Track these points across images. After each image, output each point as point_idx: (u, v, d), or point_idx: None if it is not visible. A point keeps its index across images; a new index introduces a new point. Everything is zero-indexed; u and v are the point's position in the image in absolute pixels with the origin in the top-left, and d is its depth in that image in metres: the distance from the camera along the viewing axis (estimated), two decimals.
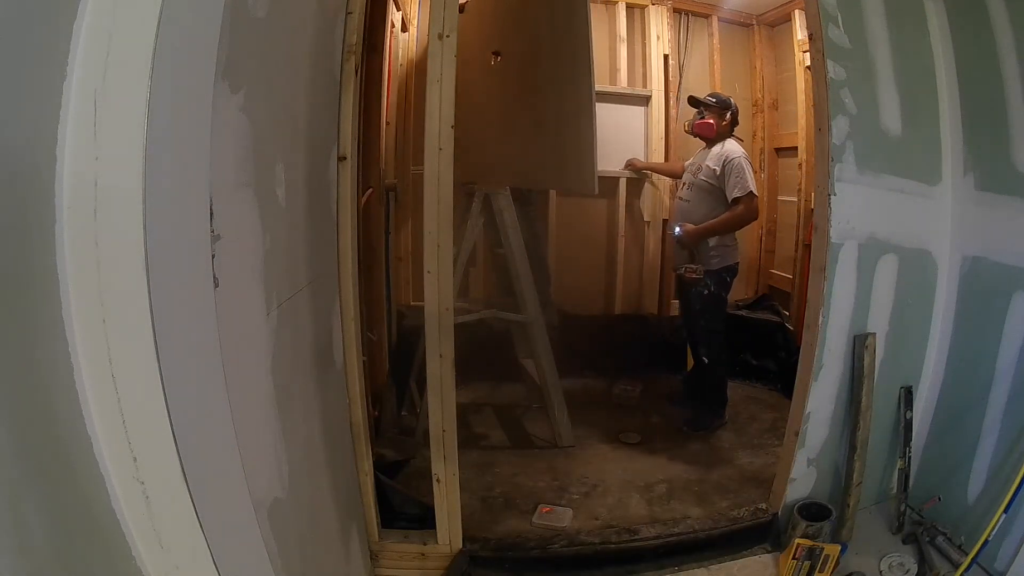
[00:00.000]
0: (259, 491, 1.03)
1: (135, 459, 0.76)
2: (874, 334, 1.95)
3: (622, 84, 3.45)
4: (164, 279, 0.75)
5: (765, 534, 2.03)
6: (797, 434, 1.96)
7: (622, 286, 3.60)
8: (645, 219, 3.57)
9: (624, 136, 3.44)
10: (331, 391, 1.55)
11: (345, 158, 1.59)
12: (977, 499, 1.87)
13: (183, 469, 0.78)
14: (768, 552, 1.97)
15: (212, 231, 0.86)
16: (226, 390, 0.89)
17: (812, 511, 1.94)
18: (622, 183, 3.48)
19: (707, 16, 3.60)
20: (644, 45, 3.49)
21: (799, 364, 1.98)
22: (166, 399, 0.75)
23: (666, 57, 3.47)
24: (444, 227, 1.64)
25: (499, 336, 3.13)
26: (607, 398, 3.15)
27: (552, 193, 3.44)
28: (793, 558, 1.80)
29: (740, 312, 3.46)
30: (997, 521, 1.68)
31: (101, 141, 0.70)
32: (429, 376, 1.71)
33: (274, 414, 1.14)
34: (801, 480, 2.02)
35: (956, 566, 1.78)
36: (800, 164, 3.35)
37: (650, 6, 3.46)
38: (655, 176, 3.49)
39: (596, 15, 3.41)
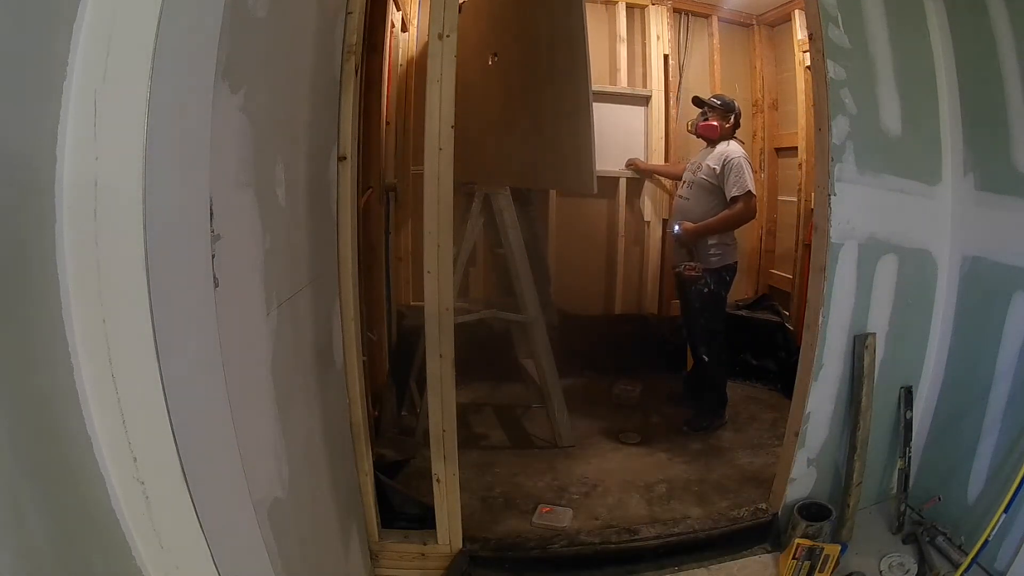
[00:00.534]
0: (259, 491, 1.03)
1: (135, 459, 0.76)
2: (874, 334, 1.95)
3: (622, 84, 3.45)
4: (164, 279, 0.75)
5: (765, 534, 2.03)
6: (797, 434, 1.96)
7: (622, 286, 3.60)
8: (645, 219, 3.57)
9: (624, 136, 3.44)
10: (331, 391, 1.55)
11: (345, 158, 1.59)
12: (977, 499, 1.87)
13: (183, 469, 0.78)
14: (768, 552, 1.97)
15: (212, 231, 0.86)
16: (226, 390, 0.89)
17: (812, 511, 1.94)
18: (622, 183, 3.48)
19: (707, 16, 3.60)
20: (644, 45, 3.49)
21: (799, 364, 1.98)
22: (166, 399, 0.75)
23: (666, 57, 3.47)
24: (444, 227, 1.64)
25: (499, 336, 3.13)
26: (607, 398, 3.14)
27: (552, 193, 3.44)
28: (793, 558, 1.80)
29: (740, 312, 3.46)
30: (997, 521, 1.68)
31: (101, 141, 0.70)
32: (429, 376, 1.71)
33: (274, 414, 1.14)
34: (801, 480, 2.02)
35: (956, 566, 1.78)
36: (800, 164, 3.35)
37: (650, 6, 3.46)
38: (657, 176, 3.49)
39: (596, 15, 3.42)
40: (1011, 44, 1.75)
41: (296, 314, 1.28)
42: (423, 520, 1.89)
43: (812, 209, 2.14)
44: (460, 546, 1.84)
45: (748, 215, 2.68)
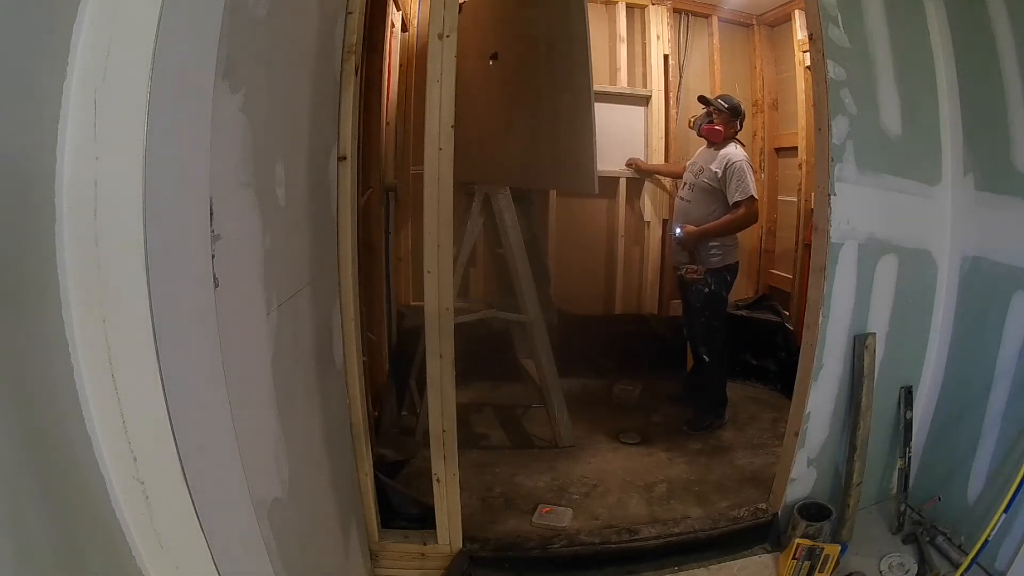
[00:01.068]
0: (259, 491, 1.02)
1: (135, 459, 0.76)
2: (874, 334, 1.95)
3: (622, 84, 3.45)
4: (164, 279, 0.75)
5: (765, 534, 2.03)
6: (797, 434, 1.96)
7: (622, 286, 3.60)
8: (645, 219, 3.57)
9: (624, 136, 3.44)
10: (331, 391, 1.55)
11: (345, 158, 1.59)
12: (977, 499, 1.87)
13: (183, 469, 0.78)
14: (768, 552, 1.97)
15: (212, 231, 0.86)
16: (226, 390, 0.89)
17: (812, 511, 1.94)
18: (622, 183, 3.49)
19: (707, 16, 3.60)
20: (644, 45, 3.49)
21: (799, 364, 1.98)
22: (166, 399, 0.75)
23: (666, 57, 3.47)
24: (444, 227, 1.64)
25: (499, 336, 3.13)
26: (607, 398, 3.15)
27: (552, 193, 3.44)
28: (793, 558, 1.80)
29: (740, 312, 3.46)
30: (997, 521, 1.68)
31: (101, 141, 0.70)
32: (429, 376, 1.71)
33: (274, 414, 1.14)
34: (801, 480, 2.02)
35: (956, 566, 1.78)
36: (800, 164, 3.35)
37: (650, 6, 3.46)
38: (657, 176, 3.49)
39: (596, 15, 3.42)
40: (1011, 44, 1.75)
41: (296, 314, 1.28)
42: (423, 520, 1.89)
43: (812, 209, 2.14)
44: (460, 546, 1.84)
45: (750, 219, 2.68)
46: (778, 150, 3.67)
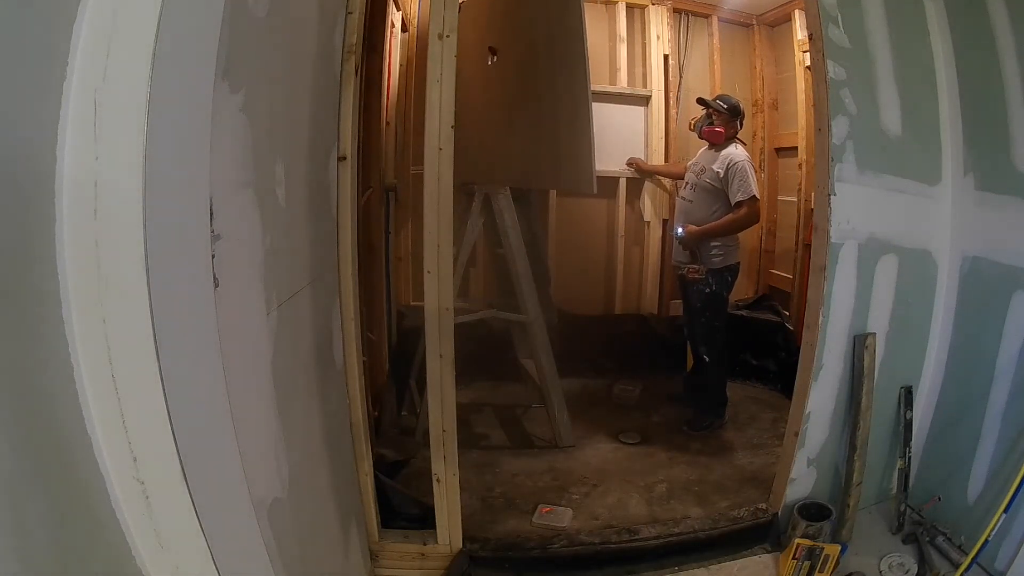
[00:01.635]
0: (259, 491, 1.03)
1: (135, 459, 0.76)
2: (874, 334, 1.95)
3: (622, 84, 3.45)
4: (164, 279, 0.75)
5: (765, 534, 2.03)
6: (797, 434, 1.96)
7: (622, 286, 3.60)
8: (645, 219, 3.57)
9: (624, 136, 3.44)
10: (331, 391, 1.55)
11: (345, 158, 1.59)
12: (977, 499, 1.87)
13: (183, 469, 0.78)
14: (768, 552, 1.97)
15: (212, 231, 0.86)
16: (226, 390, 0.89)
17: (812, 511, 1.94)
18: (622, 183, 3.49)
19: (707, 16, 3.60)
20: (644, 45, 3.49)
21: (799, 364, 1.98)
22: (166, 399, 0.75)
23: (666, 57, 3.47)
24: (444, 227, 1.64)
25: (499, 336, 3.13)
26: (607, 398, 3.14)
27: (552, 193, 3.44)
28: (793, 558, 1.80)
29: (740, 312, 3.46)
30: (997, 521, 1.68)
31: (101, 141, 0.70)
32: (429, 376, 1.71)
33: (274, 414, 1.14)
34: (801, 480, 2.02)
35: (956, 566, 1.78)
36: (800, 164, 3.35)
37: (650, 6, 3.46)
38: (658, 176, 3.49)
39: (596, 15, 3.42)
40: (1011, 44, 1.75)
41: (296, 314, 1.28)
42: (423, 520, 1.89)
43: (812, 209, 2.14)
44: (460, 546, 1.84)
45: (752, 219, 2.68)
46: (778, 150, 3.67)
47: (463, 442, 1.83)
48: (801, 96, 3.31)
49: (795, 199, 3.44)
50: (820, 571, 1.79)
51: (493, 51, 2.68)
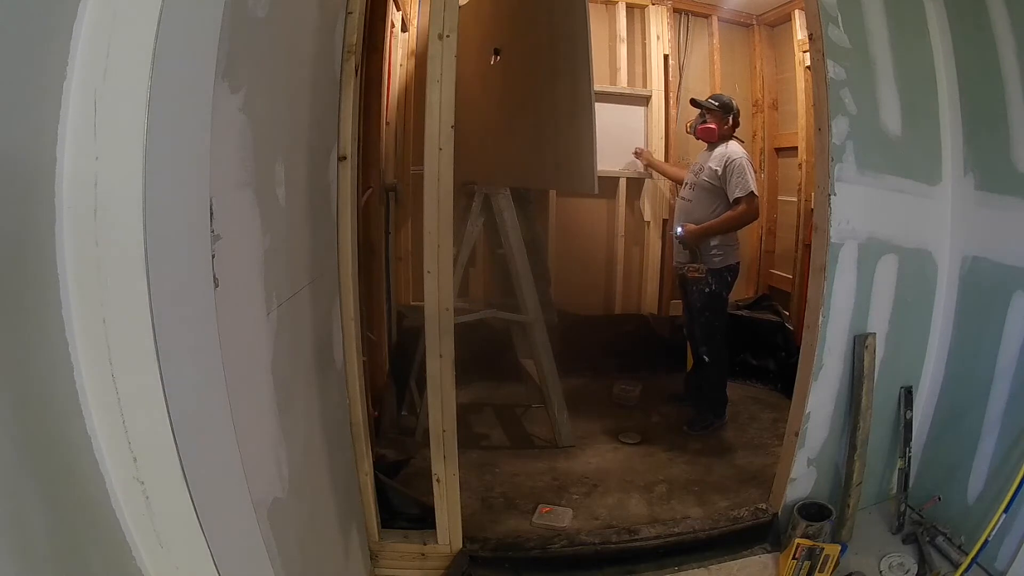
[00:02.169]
0: (259, 491, 1.02)
1: (135, 459, 0.76)
2: (874, 334, 1.95)
3: (622, 84, 3.45)
4: (164, 279, 0.75)
5: (765, 534, 2.02)
6: (797, 434, 1.96)
7: (622, 286, 3.60)
8: (645, 219, 3.57)
9: (624, 136, 3.44)
10: (331, 391, 1.55)
11: (345, 158, 1.59)
12: (977, 499, 1.87)
13: (183, 469, 0.78)
14: (768, 552, 1.97)
15: (212, 231, 0.86)
16: (226, 390, 0.89)
17: (812, 511, 1.93)
18: (622, 183, 3.49)
19: (707, 16, 3.60)
20: (644, 45, 3.49)
21: (799, 364, 1.98)
22: (166, 399, 0.75)
23: (666, 57, 3.48)
24: (444, 227, 1.64)
25: (499, 336, 3.13)
26: (607, 398, 3.14)
27: (552, 193, 3.44)
28: (793, 558, 1.80)
29: (740, 312, 3.46)
30: (997, 521, 1.68)
31: (101, 141, 0.70)
32: (429, 376, 1.71)
33: (274, 414, 1.14)
34: (801, 480, 2.02)
35: (956, 566, 1.78)
36: (800, 164, 3.35)
37: (650, 6, 3.46)
38: (657, 175, 3.49)
39: (596, 15, 3.42)
40: (1011, 44, 1.75)
41: (296, 314, 1.28)
42: (423, 520, 1.89)
43: (812, 209, 2.14)
44: (460, 546, 1.84)
45: (751, 216, 2.68)
46: (778, 150, 3.67)
47: (463, 442, 1.83)
48: (801, 96, 3.31)
49: (795, 199, 3.44)
50: (820, 571, 1.79)
51: (497, 51, 2.68)
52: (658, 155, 3.47)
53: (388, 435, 2.55)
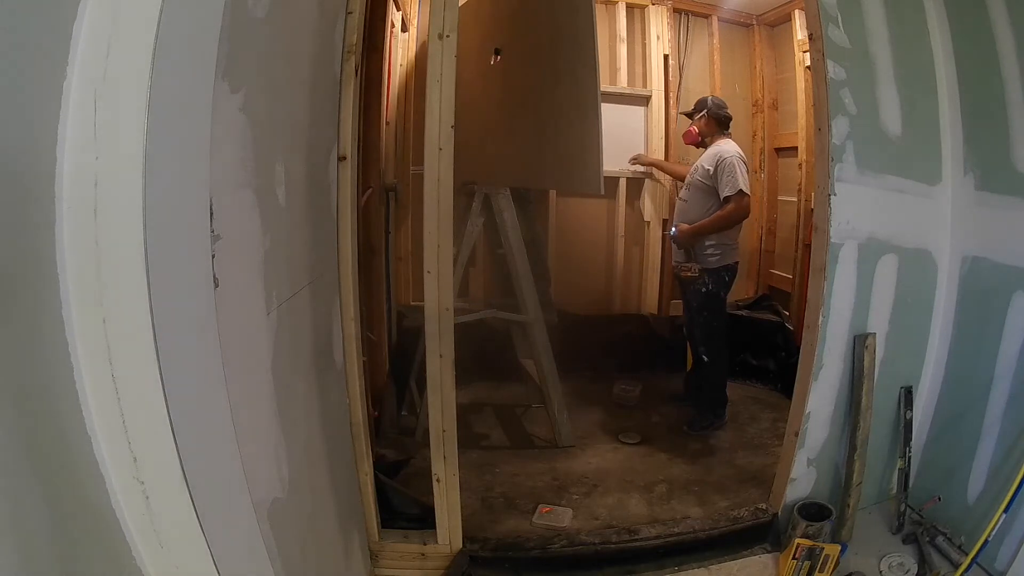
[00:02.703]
0: (259, 491, 1.02)
1: (135, 459, 0.76)
2: (874, 334, 1.95)
3: (622, 84, 3.45)
4: (164, 279, 0.75)
5: (765, 534, 2.03)
6: (797, 434, 1.96)
7: (622, 286, 3.60)
8: (645, 219, 3.57)
9: (624, 136, 3.44)
10: (331, 391, 1.55)
11: (345, 158, 1.59)
12: (977, 499, 1.87)
13: (183, 469, 0.78)
14: (768, 552, 1.97)
15: (212, 231, 0.86)
16: (226, 390, 0.89)
17: (812, 511, 1.93)
18: (622, 183, 3.49)
19: (707, 16, 3.60)
20: (644, 45, 3.49)
21: (799, 364, 1.98)
22: (166, 399, 0.75)
23: (666, 57, 3.48)
24: (444, 227, 1.64)
25: (499, 336, 3.13)
26: (607, 398, 3.14)
27: (552, 193, 3.44)
28: (793, 558, 1.80)
29: (740, 312, 3.46)
30: (997, 521, 1.68)
31: (101, 141, 0.70)
32: (429, 376, 1.71)
33: (274, 414, 1.14)
34: (801, 480, 2.02)
35: (956, 566, 1.78)
36: (800, 164, 3.35)
37: (650, 6, 3.46)
38: (659, 173, 3.49)
39: (596, 15, 3.41)
40: (1011, 44, 1.75)
41: (296, 314, 1.28)
42: (423, 520, 1.89)
43: (812, 209, 2.14)
44: (460, 546, 1.84)
45: (740, 214, 2.66)
46: (778, 150, 3.67)
47: (463, 442, 1.83)
48: (801, 96, 3.31)
49: (795, 199, 3.44)
50: (820, 571, 1.79)
51: (497, 51, 2.67)
52: (658, 155, 3.47)
53: (388, 435, 2.55)
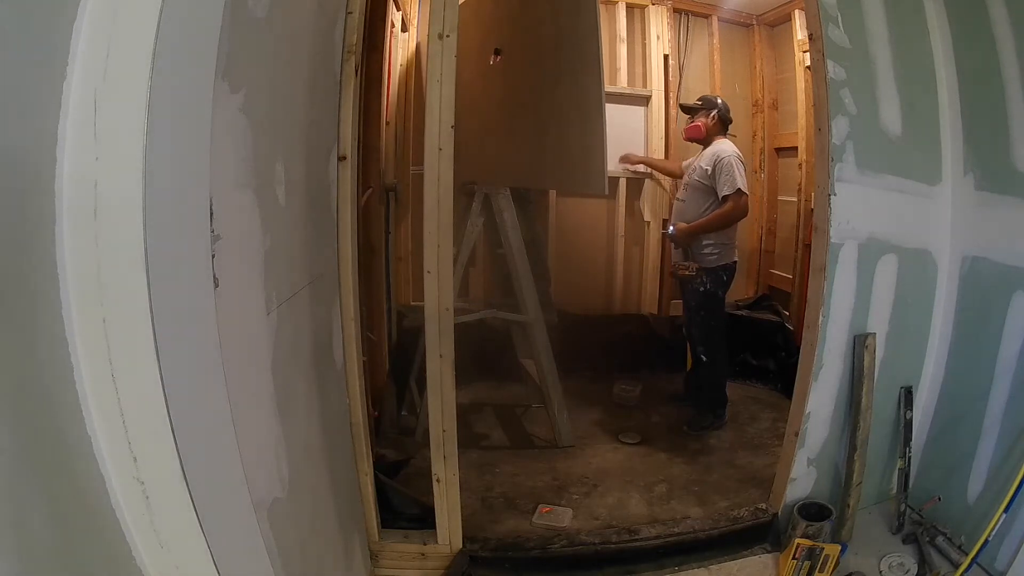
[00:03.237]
0: (259, 491, 1.02)
1: (135, 459, 0.76)
2: (874, 334, 1.95)
3: (622, 84, 3.45)
4: (164, 279, 0.75)
5: (765, 534, 2.02)
6: (797, 434, 1.96)
7: (622, 286, 3.60)
8: (645, 219, 3.57)
9: (624, 136, 3.44)
10: (331, 391, 1.55)
11: (345, 158, 1.59)
12: (977, 499, 1.87)
13: (183, 469, 0.78)
14: (768, 552, 1.97)
15: (212, 231, 0.86)
16: (226, 390, 0.89)
17: (812, 511, 1.94)
18: (622, 183, 3.49)
19: (707, 16, 3.60)
20: (644, 45, 3.49)
21: (799, 364, 1.98)
22: (166, 399, 0.75)
23: (666, 57, 3.48)
24: (444, 227, 1.64)
25: (499, 336, 3.13)
26: (607, 398, 3.14)
27: (552, 193, 3.44)
28: (793, 558, 1.80)
29: (740, 312, 3.46)
30: (997, 521, 1.68)
31: (101, 141, 0.70)
32: (429, 376, 1.71)
33: (274, 414, 1.14)
34: (801, 480, 2.02)
35: (956, 566, 1.78)
36: (800, 164, 3.35)
37: (650, 6, 3.46)
38: (659, 173, 3.49)
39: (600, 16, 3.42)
40: (1011, 44, 1.75)
41: (296, 314, 1.28)
42: (423, 520, 1.89)
43: (812, 209, 2.14)
44: (460, 546, 1.84)
45: (738, 214, 2.67)
46: (778, 150, 3.67)
47: (463, 442, 1.83)
48: (801, 96, 3.31)
49: (795, 199, 3.44)
50: (820, 571, 1.79)
51: (497, 51, 2.67)
52: (658, 155, 3.47)
53: (388, 435, 2.55)
